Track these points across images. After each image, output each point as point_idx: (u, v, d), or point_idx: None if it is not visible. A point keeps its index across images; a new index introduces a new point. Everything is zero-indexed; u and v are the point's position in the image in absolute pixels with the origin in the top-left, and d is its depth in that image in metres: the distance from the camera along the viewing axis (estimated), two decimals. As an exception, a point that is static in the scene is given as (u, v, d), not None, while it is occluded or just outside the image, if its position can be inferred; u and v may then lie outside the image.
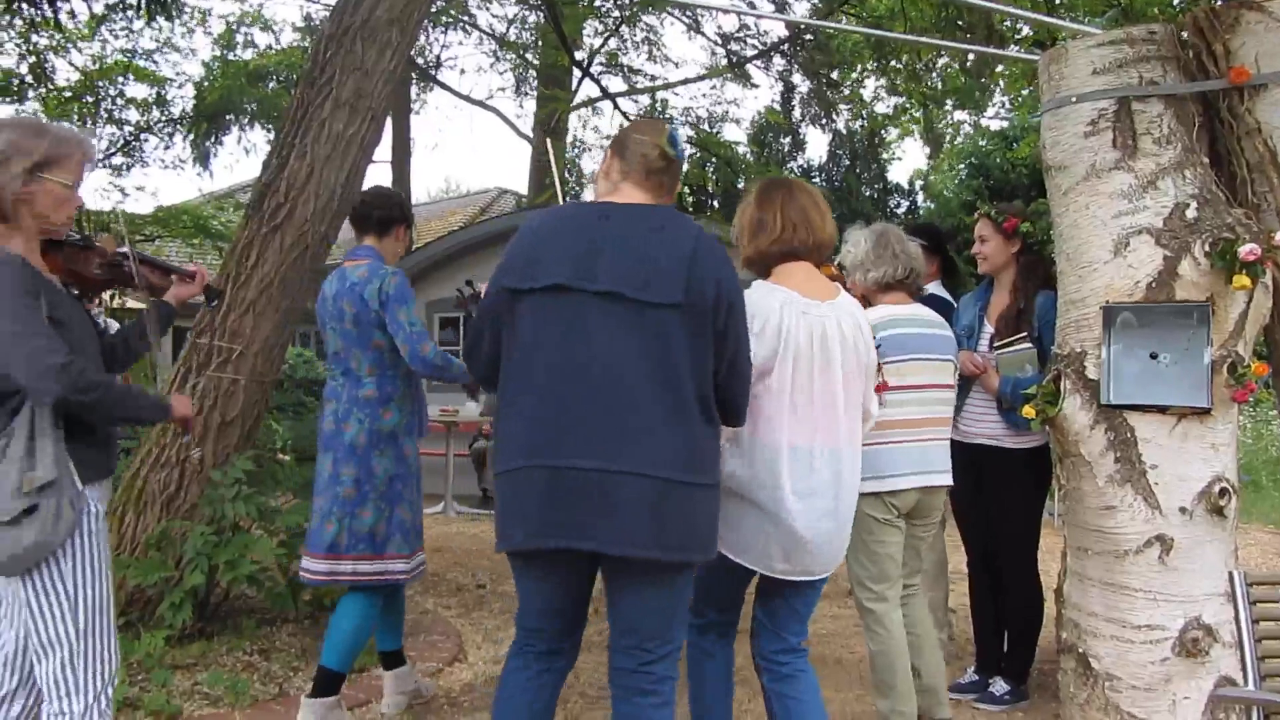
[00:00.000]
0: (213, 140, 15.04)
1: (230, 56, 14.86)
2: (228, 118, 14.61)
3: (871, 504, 3.33)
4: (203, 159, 15.27)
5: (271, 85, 14.56)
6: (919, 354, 3.37)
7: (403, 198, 3.96)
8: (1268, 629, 2.88)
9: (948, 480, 3.43)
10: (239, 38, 15.26)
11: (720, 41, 15.28)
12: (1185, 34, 3.48)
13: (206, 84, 14.32)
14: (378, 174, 22.67)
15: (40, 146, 2.29)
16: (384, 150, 15.15)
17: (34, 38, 12.09)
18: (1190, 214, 3.26)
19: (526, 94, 17.53)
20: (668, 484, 2.24)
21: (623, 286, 2.29)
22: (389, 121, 14.08)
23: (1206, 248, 3.17)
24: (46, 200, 2.32)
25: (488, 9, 17.77)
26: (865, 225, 3.66)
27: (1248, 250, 3.04)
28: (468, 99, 16.44)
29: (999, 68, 11.94)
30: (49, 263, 2.46)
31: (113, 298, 12.27)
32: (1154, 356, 3.30)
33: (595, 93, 14.58)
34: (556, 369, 2.30)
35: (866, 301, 3.57)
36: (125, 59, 13.83)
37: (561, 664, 2.51)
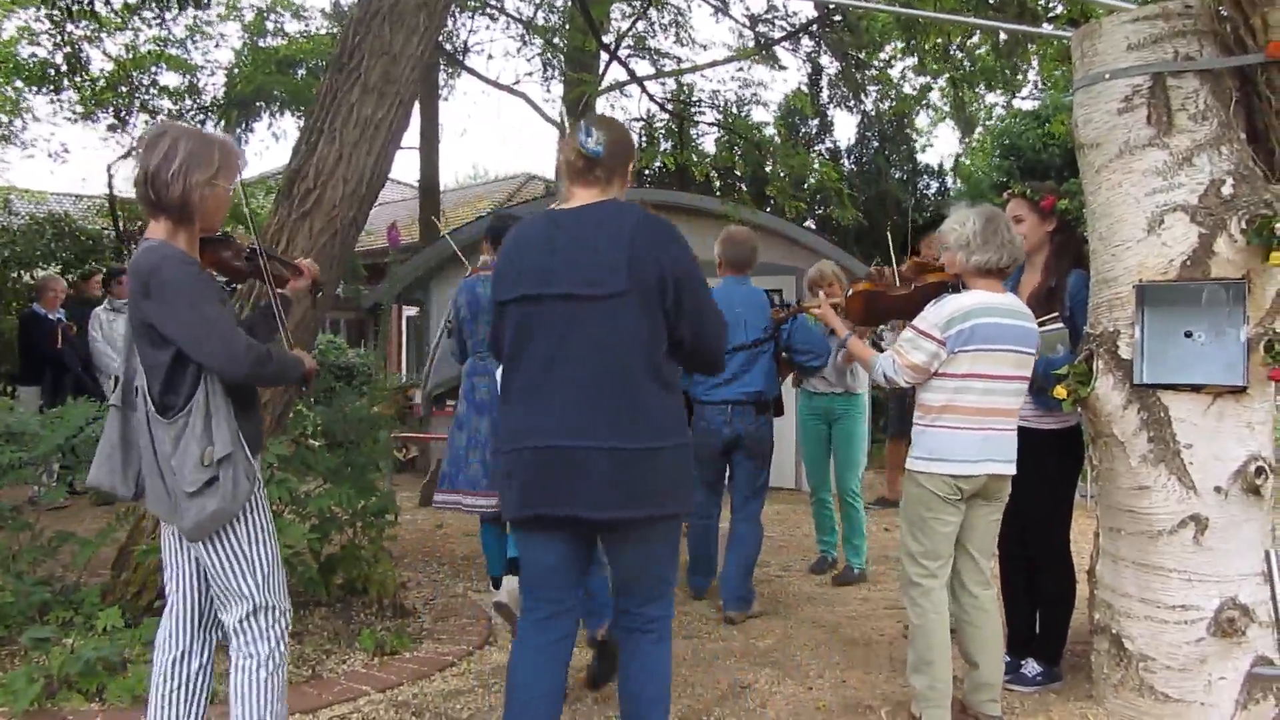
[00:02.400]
0: (243, 127, 15.13)
1: (261, 43, 14.94)
2: (258, 105, 14.70)
3: (937, 483, 3.33)
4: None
5: (301, 73, 14.63)
6: (1008, 345, 3.33)
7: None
8: (1305, 610, 2.85)
9: (1012, 469, 3.41)
10: (269, 24, 15.34)
11: (748, 23, 15.18)
12: (1222, 8, 3.42)
13: (237, 71, 14.41)
14: (406, 160, 22.74)
15: (214, 155, 2.55)
16: (413, 136, 15.17)
17: (69, 27, 12.20)
18: (1226, 190, 3.21)
19: (554, 78, 17.50)
20: (628, 452, 2.58)
21: (574, 288, 2.62)
22: (417, 107, 14.13)
23: (1243, 224, 3.13)
24: (215, 204, 2.59)
25: (515, -7, 17.77)
26: (971, 205, 3.58)
27: (1285, 226, 2.99)
28: (495, 84, 16.40)
29: (1031, 47, 11.76)
30: (201, 257, 2.69)
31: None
32: (1189, 335, 3.26)
33: (623, 76, 14.56)
34: (534, 364, 2.68)
35: (959, 282, 3.53)
36: (158, 48, 13.94)
37: (566, 625, 2.78)
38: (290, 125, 15.55)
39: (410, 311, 12.65)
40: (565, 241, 2.67)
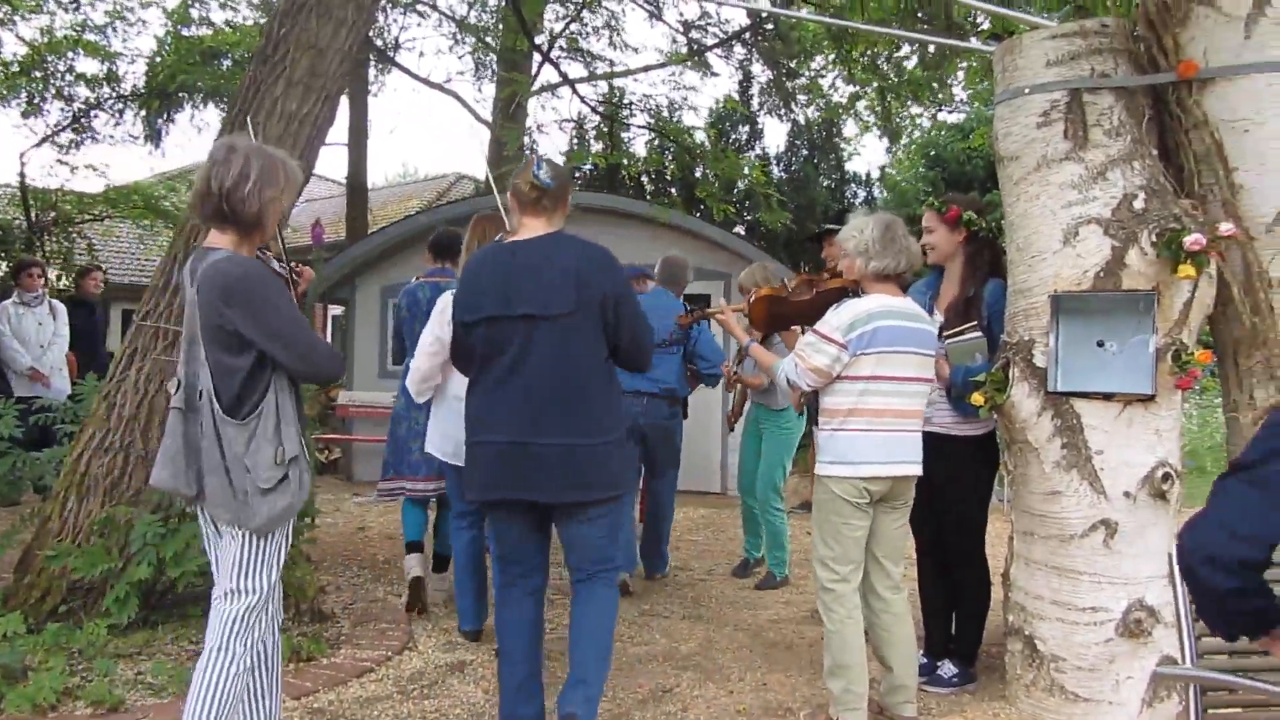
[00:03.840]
0: (165, 118, 14.72)
1: (185, 33, 14.54)
2: (180, 95, 14.31)
3: (845, 487, 3.36)
4: (154, 137, 14.94)
5: (227, 64, 14.27)
6: (910, 347, 3.40)
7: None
8: (1207, 612, 2.94)
9: (919, 470, 3.47)
10: (194, 13, 14.94)
11: (682, 29, 15.25)
12: (1137, 27, 3.53)
13: (159, 60, 14.00)
14: (334, 156, 22.37)
15: (281, 173, 2.73)
16: (341, 133, 14.93)
17: (-20, 10, 11.76)
18: (1138, 204, 3.31)
19: (486, 78, 17.38)
20: (577, 447, 3.10)
21: (531, 309, 3.09)
22: (346, 104, 13.91)
23: (1153, 238, 3.22)
24: (274, 219, 2.76)
25: (448, -9, 17.60)
26: (868, 211, 3.67)
27: (1193, 240, 3.09)
28: (426, 82, 16.23)
29: (957, 61, 12.02)
30: None
31: (59, 278, 12.01)
32: (1100, 344, 3.35)
33: (555, 78, 14.51)
34: (497, 374, 3.15)
35: (858, 288, 3.59)
36: (75, 33, 13.50)
37: (536, 582, 3.33)
38: (214, 117, 15.13)
39: (335, 310, 12.44)
40: (522, 269, 3.14)
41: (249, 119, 4.34)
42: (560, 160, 15.81)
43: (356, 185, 14.92)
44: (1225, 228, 3.20)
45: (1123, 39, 3.48)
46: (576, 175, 15.18)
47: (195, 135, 29.14)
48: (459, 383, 4.00)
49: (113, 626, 4.01)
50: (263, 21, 13.53)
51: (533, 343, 3.09)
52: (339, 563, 6.07)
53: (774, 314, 4.16)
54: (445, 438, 4.35)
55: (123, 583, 4.04)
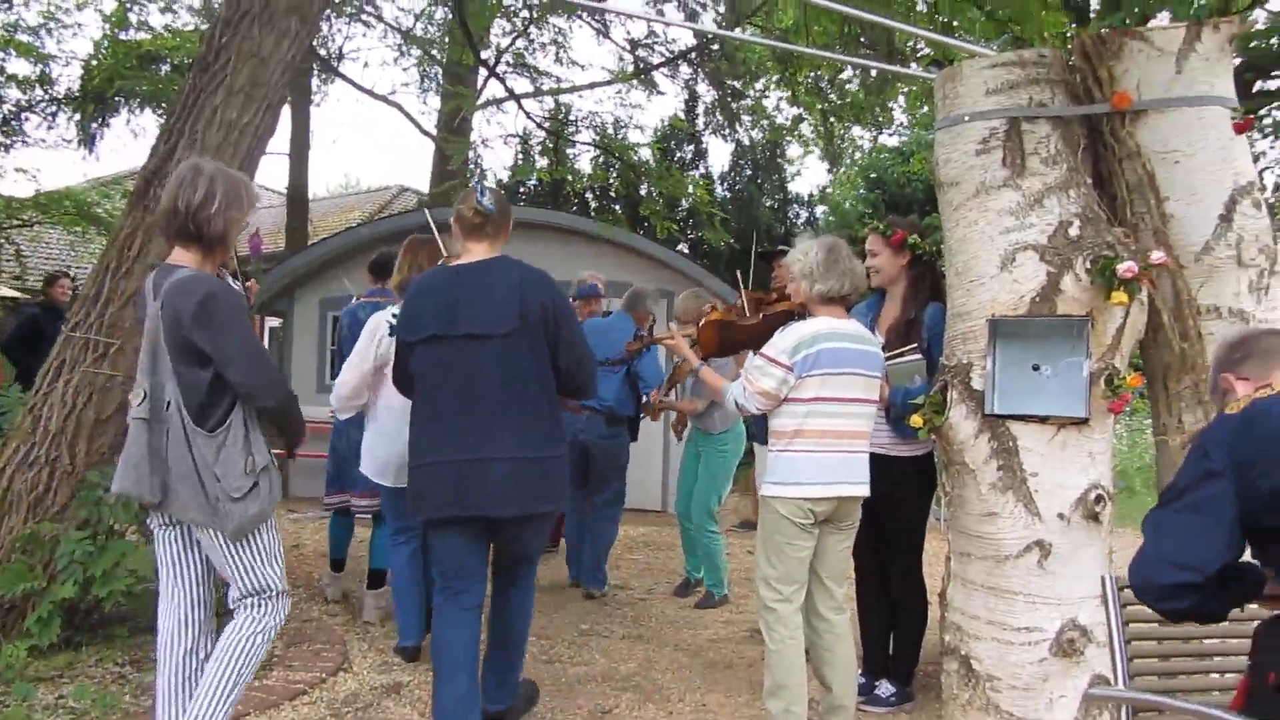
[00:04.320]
0: (99, 122, 14.41)
1: (122, 36, 14.24)
2: (117, 99, 14.02)
3: (791, 508, 3.38)
4: (88, 141, 14.61)
5: (165, 69, 14.00)
6: (854, 369, 3.45)
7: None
8: (1137, 630, 3.00)
9: (866, 491, 3.51)
10: (132, 16, 14.64)
11: (628, 47, 15.32)
12: (1073, 58, 3.61)
13: (95, 63, 13.70)
14: (274, 166, 22.07)
15: (243, 194, 2.87)
16: (282, 142, 14.74)
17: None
18: (1073, 232, 3.37)
19: (431, 90, 17.29)
20: (519, 461, 3.22)
21: (475, 328, 3.23)
22: (288, 113, 13.72)
23: (1087, 264, 3.28)
24: (235, 237, 2.91)
25: (394, 2, 17.50)
26: (814, 235, 3.72)
27: (1126, 268, 3.16)
28: (370, 93, 16.07)
29: (898, 85, 12.23)
30: None
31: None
32: (1036, 368, 3.41)
33: (501, 92, 14.47)
34: (441, 393, 3.28)
35: (805, 310, 3.62)
36: (7, 33, 13.17)
37: (473, 599, 3.41)
38: (151, 123, 14.83)
39: (273, 322, 12.23)
40: (465, 291, 3.28)
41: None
42: (506, 176, 15.78)
43: (297, 196, 14.71)
44: (1156, 256, 3.27)
45: (1059, 70, 3.55)
46: (521, 190, 15.16)
47: (131, 140, 28.46)
48: (387, 404, 4.20)
49: (34, 648, 3.88)
50: (203, 27, 13.32)
51: (478, 362, 3.22)
52: (273, 580, 5.94)
53: (724, 338, 4.17)
54: (375, 458, 4.33)
55: (46, 602, 3.92)
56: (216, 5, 13.83)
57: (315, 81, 15.86)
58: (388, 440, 4.23)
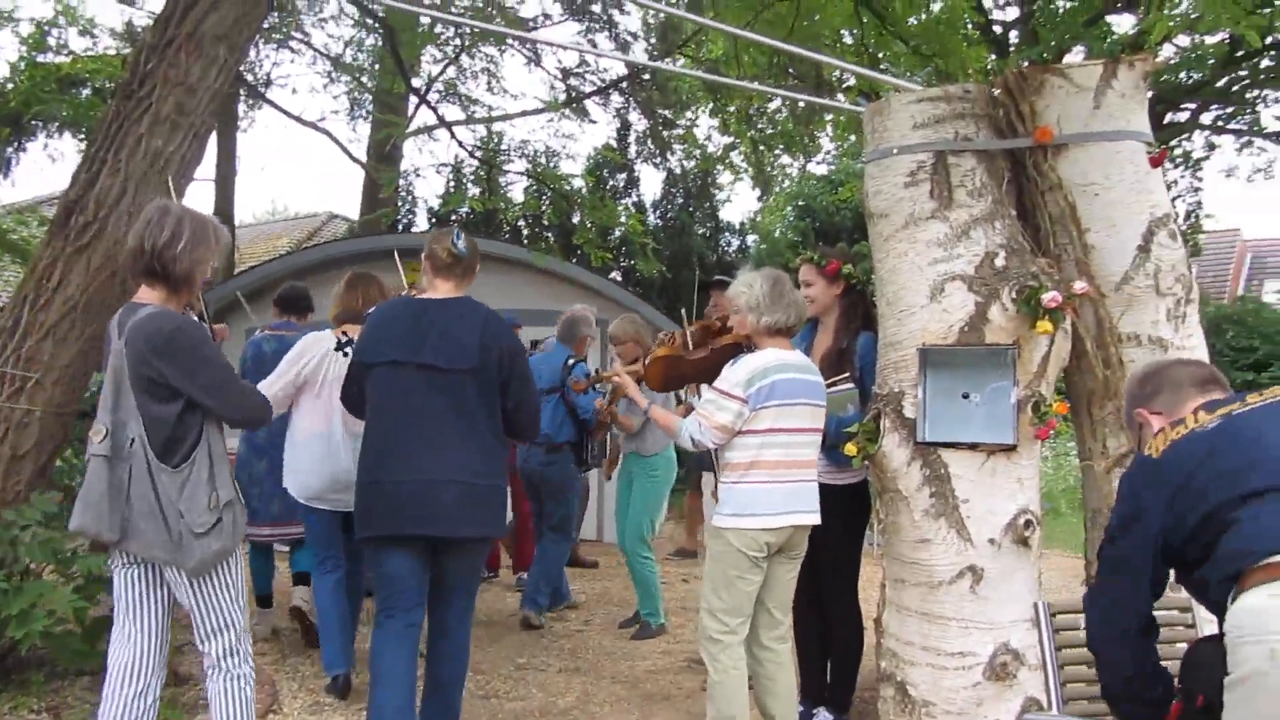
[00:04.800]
0: (16, 147, 14.00)
1: (40, 58, 13.87)
2: (34, 124, 13.63)
3: (746, 540, 3.39)
4: (3, 166, 14.19)
5: (86, 92, 13.66)
6: (804, 399, 3.50)
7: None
8: (1069, 654, 3.06)
9: (816, 519, 3.54)
10: (50, 39, 14.27)
11: (560, 76, 15.39)
12: (997, 93, 3.71)
13: (11, 86, 13.31)
14: (200, 193, 21.68)
15: (210, 234, 2.94)
16: (208, 168, 14.46)
17: None
18: (999, 262, 3.45)
19: (361, 117, 17.13)
20: (468, 485, 3.38)
21: (435, 360, 3.38)
22: (214, 138, 13.46)
23: (1013, 294, 3.36)
24: (201, 277, 2.97)
25: (323, 29, 17.34)
26: (754, 267, 3.77)
27: (1050, 298, 3.24)
28: (299, 119, 15.85)
29: (826, 116, 12.45)
30: None
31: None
32: (966, 396, 3.47)
33: (432, 120, 14.41)
34: (395, 416, 3.42)
35: (751, 343, 3.64)
36: (-84, 57, 12.76)
37: (413, 619, 3.50)
38: (70, 147, 14.45)
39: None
40: (432, 324, 3.44)
41: (170, 180, 4.27)
42: (437, 204, 15.67)
43: (223, 222, 14.41)
44: (1079, 286, 3.37)
45: (983, 104, 3.65)
46: (453, 219, 15.09)
47: (49, 165, 27.72)
48: (306, 426, 4.27)
49: (-57, 696, 3.71)
50: (125, 51, 13.05)
51: (433, 392, 3.38)
52: (198, 619, 5.77)
53: (670, 374, 4.16)
54: (299, 477, 4.32)
55: (-44, 646, 3.75)
56: (140, 30, 13.58)
57: (242, 107, 15.63)
58: (313, 460, 4.20)
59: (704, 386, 3.69)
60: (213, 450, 2.86)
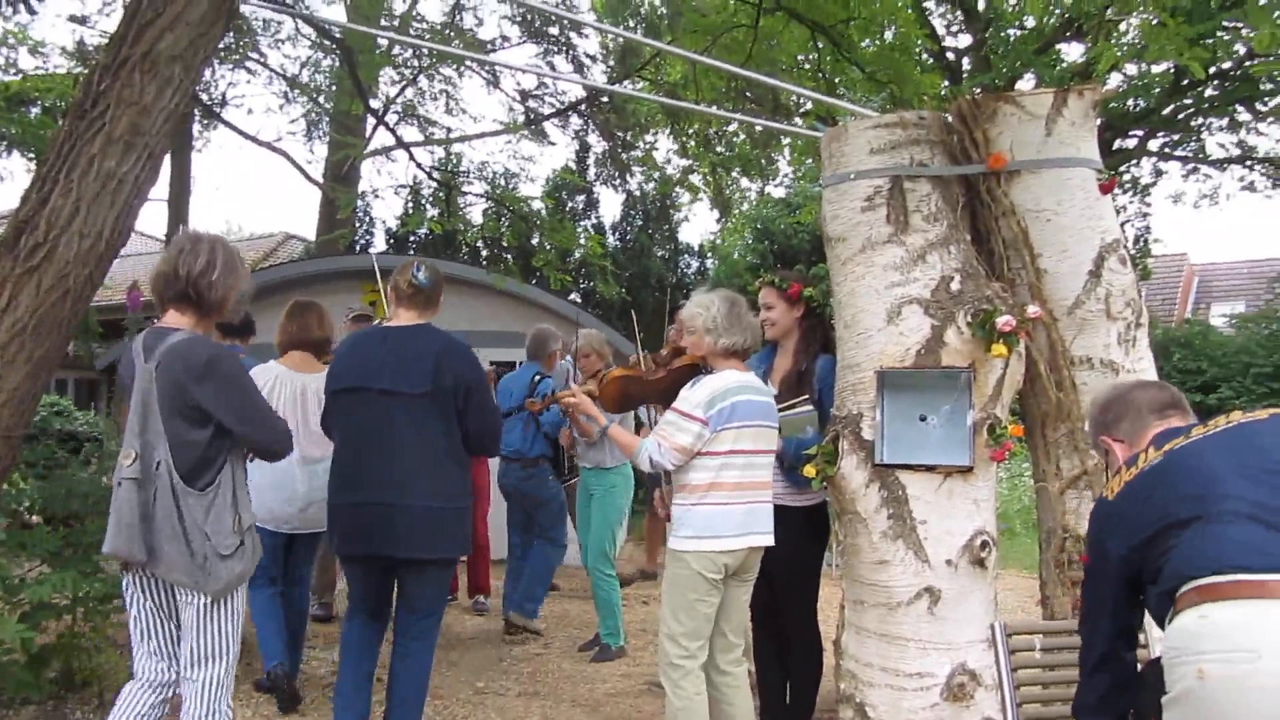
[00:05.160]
0: (-38, 167, 13.77)
1: (-12, 78, 13.66)
2: (-19, 143, 13.41)
3: (705, 562, 3.39)
4: (-51, 186, 13.95)
5: (35, 111, 13.46)
6: (761, 420, 3.52)
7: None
8: (1025, 675, 3.09)
9: (771, 540, 3.55)
10: (0, 58, 14.06)
11: (519, 98, 15.42)
12: (951, 120, 3.77)
13: (-42, 106, 13.07)
14: (153, 213, 21.37)
15: (237, 264, 3.03)
16: (162, 188, 14.29)
17: None
18: (954, 286, 3.50)
19: (318, 138, 17.03)
20: (428, 509, 3.52)
21: (394, 385, 3.53)
22: (168, 158, 13.31)
23: (969, 318, 3.41)
24: (231, 305, 3.06)
25: (279, 49, 17.24)
26: (711, 289, 3.78)
27: (1004, 321, 3.29)
28: (255, 140, 15.74)
29: (783, 140, 12.58)
30: None
31: None
32: (923, 419, 3.51)
33: (390, 141, 14.36)
34: (358, 439, 3.59)
35: (707, 364, 3.64)
36: None
37: (378, 624, 3.77)
38: (19, 166, 14.19)
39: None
40: (389, 350, 3.59)
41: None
42: (395, 225, 15.58)
43: (176, 243, 14.25)
44: (1032, 310, 3.43)
45: (938, 130, 3.71)
46: (412, 240, 15.03)
47: (-3, 185, 27.27)
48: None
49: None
50: (77, 70, 12.88)
51: (389, 416, 3.52)
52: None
53: (627, 394, 4.14)
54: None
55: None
56: (92, 50, 13.43)
57: (197, 127, 15.48)
58: (263, 484, 4.19)
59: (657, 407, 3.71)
60: (235, 475, 2.93)
